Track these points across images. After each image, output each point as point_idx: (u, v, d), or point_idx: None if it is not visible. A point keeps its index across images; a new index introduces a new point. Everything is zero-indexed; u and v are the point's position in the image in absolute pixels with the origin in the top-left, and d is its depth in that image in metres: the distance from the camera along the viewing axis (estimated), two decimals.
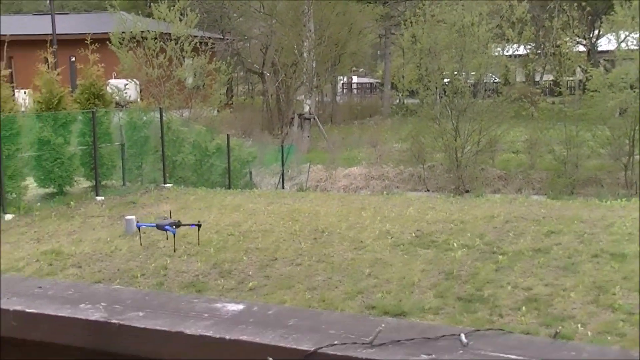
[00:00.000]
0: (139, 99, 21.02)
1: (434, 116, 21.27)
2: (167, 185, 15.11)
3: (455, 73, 21.29)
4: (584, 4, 25.11)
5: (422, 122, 21.91)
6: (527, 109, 21.56)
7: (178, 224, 6.71)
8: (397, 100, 38.96)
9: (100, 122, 14.14)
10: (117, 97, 19.71)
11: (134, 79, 22.66)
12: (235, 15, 38.33)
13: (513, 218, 11.06)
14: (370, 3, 37.05)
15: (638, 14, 19.20)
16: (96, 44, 16.06)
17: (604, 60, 22.38)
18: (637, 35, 19.59)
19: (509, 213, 11.52)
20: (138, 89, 22.69)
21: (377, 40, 46.80)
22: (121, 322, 1.03)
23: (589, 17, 29.15)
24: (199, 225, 6.78)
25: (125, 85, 21.59)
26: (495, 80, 24.54)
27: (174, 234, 6.71)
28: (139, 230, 7.21)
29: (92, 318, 1.05)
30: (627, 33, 20.08)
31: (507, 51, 24.35)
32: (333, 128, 33.06)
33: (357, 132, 30.21)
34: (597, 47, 34.38)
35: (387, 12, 38.82)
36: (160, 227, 6.64)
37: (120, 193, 14.17)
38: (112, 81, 21.34)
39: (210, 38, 27.73)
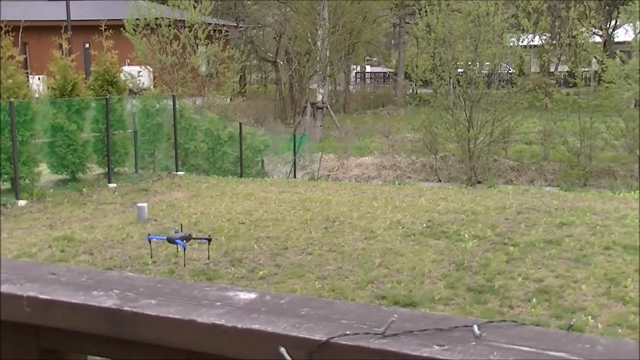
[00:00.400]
0: (152, 86, 21.07)
1: (447, 106, 21.16)
2: (179, 172, 15.16)
3: (470, 63, 21.14)
4: None
5: (435, 112, 21.81)
6: (541, 99, 21.39)
7: (189, 238, 6.69)
8: (411, 90, 38.81)
9: (114, 109, 14.19)
10: (130, 84, 19.78)
11: (148, 66, 22.73)
12: (249, 2, 38.28)
13: (525, 209, 11.03)
14: None
15: None
16: (110, 31, 16.07)
17: (620, 51, 22.11)
18: None
19: (521, 204, 11.48)
20: (151, 76, 22.76)
21: (391, 30, 46.56)
22: (134, 310, 1.03)
23: (606, 8, 28.85)
24: (209, 240, 6.75)
25: (139, 72, 21.66)
26: (509, 71, 24.35)
27: (185, 249, 6.66)
28: (150, 242, 7.20)
29: (105, 305, 1.05)
30: None
31: (522, 41, 24.14)
32: (346, 117, 33.00)
33: (370, 122, 30.15)
34: (613, 38, 33.99)
35: (402, 0, 38.59)
36: (171, 240, 6.63)
37: (132, 180, 14.24)
38: (126, 68, 21.40)
39: (224, 25, 27.72)
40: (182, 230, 6.73)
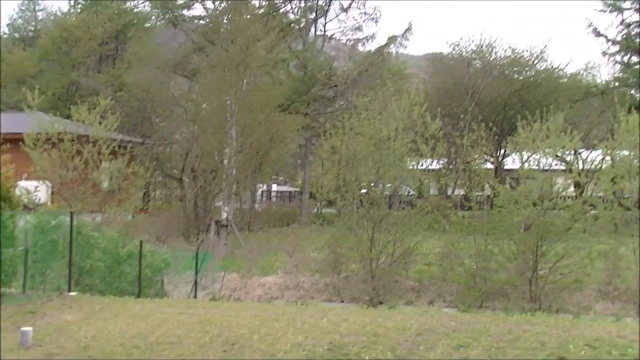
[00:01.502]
0: (49, 202, 20.41)
1: (351, 226, 21.54)
2: (71, 293, 14.44)
3: (372, 184, 21.80)
4: (490, 124, 26.64)
5: (339, 231, 22.13)
6: (439, 221, 22.17)
7: None
8: (316, 209, 39.46)
9: (5, 225, 13.56)
10: (25, 199, 19.10)
11: (46, 181, 22.10)
12: (157, 120, 38.56)
13: (424, 331, 11.12)
14: (292, 113, 38.15)
15: (538, 137, 20.49)
16: (8, 144, 15.67)
17: (510, 177, 23.57)
18: (538, 157, 20.80)
19: (420, 325, 11.58)
20: (49, 191, 22.09)
21: (297, 150, 47.86)
22: None
23: (496, 137, 30.98)
24: None
25: (36, 187, 21.01)
26: (410, 193, 25.28)
27: None
28: None
29: None
30: (529, 154, 21.32)
31: (422, 165, 25.25)
32: (250, 235, 32.92)
33: (275, 240, 30.16)
34: (503, 165, 36.29)
35: (308, 123, 40.02)
36: None
37: (19, 301, 13.40)
38: (22, 183, 20.72)
39: (130, 141, 27.62)
40: None
